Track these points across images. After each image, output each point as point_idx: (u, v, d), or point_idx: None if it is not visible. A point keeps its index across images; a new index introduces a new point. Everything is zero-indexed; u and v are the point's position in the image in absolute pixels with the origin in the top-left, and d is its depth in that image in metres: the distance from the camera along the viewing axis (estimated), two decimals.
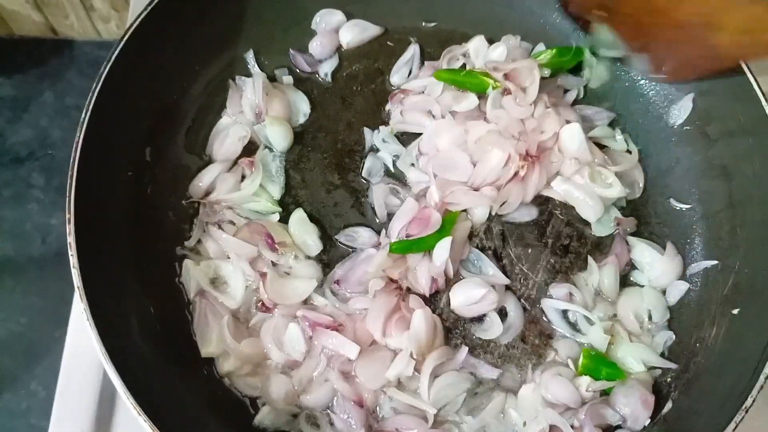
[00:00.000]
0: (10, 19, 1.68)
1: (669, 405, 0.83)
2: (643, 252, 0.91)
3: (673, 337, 0.88)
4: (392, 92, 0.99)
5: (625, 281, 0.91)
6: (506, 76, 0.94)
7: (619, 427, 0.82)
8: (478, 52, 1.02)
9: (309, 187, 0.94)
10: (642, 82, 1.01)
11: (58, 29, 1.72)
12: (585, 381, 0.83)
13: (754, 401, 0.74)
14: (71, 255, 0.75)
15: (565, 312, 0.89)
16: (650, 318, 0.88)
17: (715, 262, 0.90)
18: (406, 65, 1.02)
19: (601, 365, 0.83)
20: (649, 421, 0.82)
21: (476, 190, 0.91)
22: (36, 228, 1.56)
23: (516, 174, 0.90)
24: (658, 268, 0.90)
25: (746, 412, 0.73)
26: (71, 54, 1.73)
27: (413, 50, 1.02)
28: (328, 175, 0.95)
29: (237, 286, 0.86)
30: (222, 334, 0.82)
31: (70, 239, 0.75)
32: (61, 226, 1.57)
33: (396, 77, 1.01)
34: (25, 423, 1.39)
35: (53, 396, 0.90)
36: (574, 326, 0.88)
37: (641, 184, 0.96)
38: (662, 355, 0.87)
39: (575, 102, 1.01)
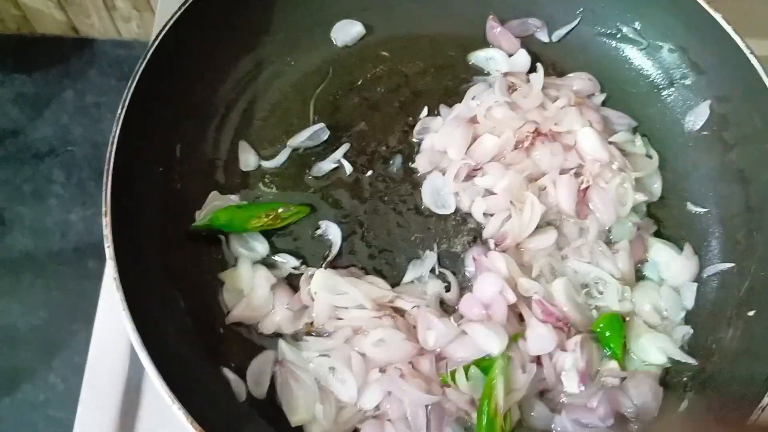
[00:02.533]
0: (32, 17, 1.71)
1: (685, 404, 0.85)
2: (660, 251, 0.92)
3: (691, 331, 0.89)
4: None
5: (638, 278, 0.93)
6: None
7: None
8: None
9: None
10: (661, 87, 1.03)
11: (80, 28, 1.75)
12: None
13: None
14: (107, 246, 0.77)
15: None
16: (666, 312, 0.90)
17: (731, 264, 0.92)
18: None
19: (613, 332, 0.85)
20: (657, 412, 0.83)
21: None
22: (55, 224, 1.59)
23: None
24: (674, 267, 0.91)
25: (762, 410, 0.75)
26: (92, 53, 1.75)
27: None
28: None
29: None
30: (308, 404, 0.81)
31: (106, 231, 0.77)
32: (80, 222, 1.62)
33: None
34: (43, 414, 1.41)
35: (71, 388, 0.91)
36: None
37: (659, 188, 0.98)
38: (681, 349, 0.88)
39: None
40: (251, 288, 0.87)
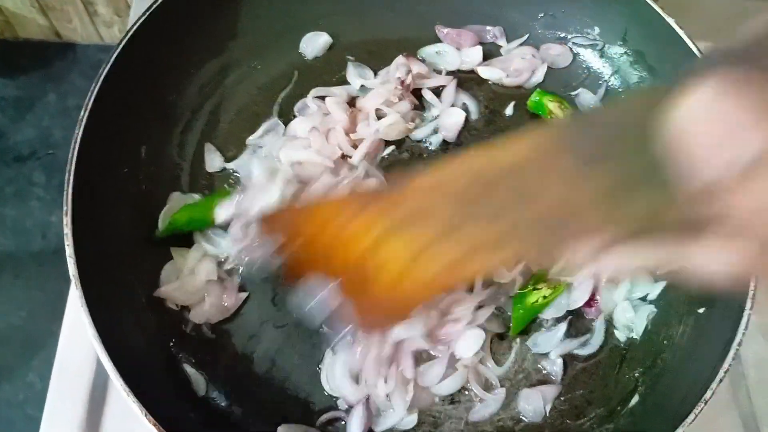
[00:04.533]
0: (15, 22, 1.73)
1: (636, 398, 0.87)
2: None
3: (656, 310, 0.92)
4: None
5: None
6: None
7: None
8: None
9: None
10: (619, 91, 1.06)
11: (62, 33, 1.78)
12: None
13: (713, 393, 0.78)
14: (67, 245, 0.79)
15: None
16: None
17: None
18: None
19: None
20: None
21: None
22: (36, 225, 1.61)
23: None
24: None
25: (705, 404, 0.77)
26: (74, 57, 1.78)
27: None
28: None
29: None
30: None
31: (67, 230, 0.79)
32: (60, 223, 1.63)
33: None
34: (21, 413, 1.44)
35: (49, 387, 0.93)
36: None
37: None
38: (646, 328, 0.91)
39: None
40: (189, 273, 0.89)
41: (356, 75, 1.05)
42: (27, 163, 1.68)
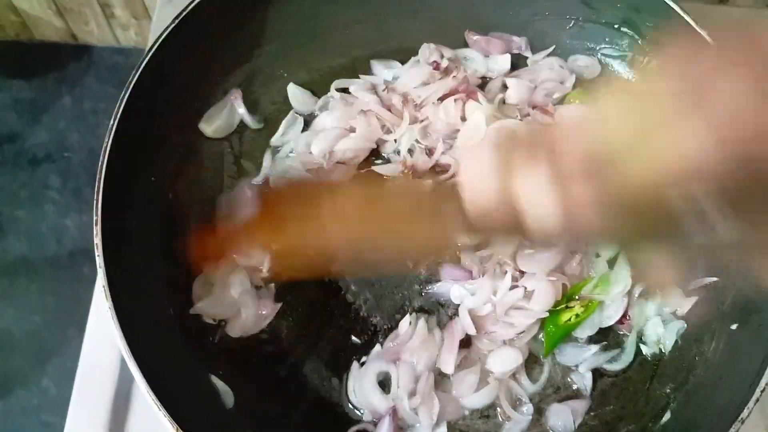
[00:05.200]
0: (32, 24, 1.73)
1: (668, 415, 0.86)
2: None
3: (686, 326, 0.91)
4: None
5: None
6: None
7: None
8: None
9: None
10: None
11: (78, 35, 1.77)
12: None
13: (750, 413, 0.77)
14: (98, 255, 0.78)
15: None
16: None
17: (715, 278, 0.93)
18: None
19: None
20: None
21: None
22: (51, 229, 1.60)
23: None
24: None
25: (742, 423, 0.76)
26: (90, 59, 1.77)
27: None
28: None
29: None
30: None
31: (97, 240, 0.78)
32: (75, 228, 1.63)
33: None
34: (36, 419, 1.43)
35: (64, 393, 0.92)
36: None
37: None
38: (676, 343, 0.91)
39: None
40: (222, 286, 0.88)
41: (382, 67, 1.05)
42: (42, 166, 1.67)
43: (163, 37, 0.89)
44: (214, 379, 0.84)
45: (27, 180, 1.65)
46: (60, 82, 1.76)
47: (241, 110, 0.99)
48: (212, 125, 0.99)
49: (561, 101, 1.02)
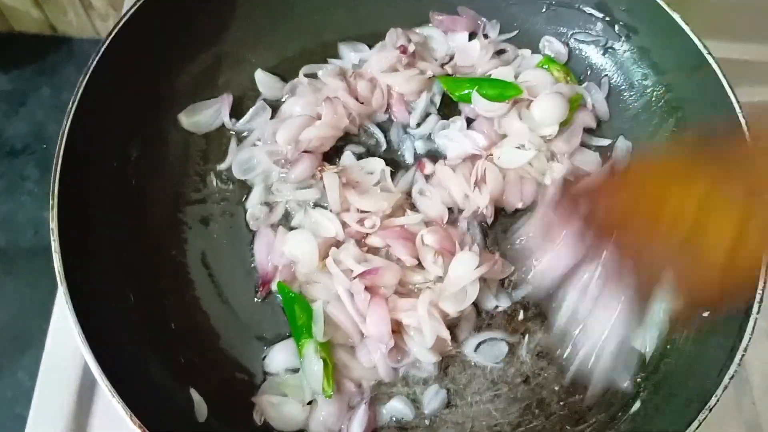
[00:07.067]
0: (9, 15, 1.70)
1: (638, 404, 0.85)
2: None
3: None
4: None
5: None
6: None
7: None
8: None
9: None
10: (621, 88, 1.03)
11: (57, 26, 1.75)
12: None
13: (718, 400, 0.75)
14: (53, 240, 0.76)
15: None
16: None
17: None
18: None
19: None
20: None
21: None
22: (28, 220, 1.57)
23: None
24: None
25: (710, 411, 0.75)
26: (69, 50, 1.74)
27: None
28: None
29: None
30: None
31: (53, 225, 0.77)
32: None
33: None
34: (9, 412, 1.40)
35: None
36: None
37: None
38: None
39: None
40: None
41: (350, 50, 1.04)
42: (20, 157, 1.64)
43: (124, 19, 0.88)
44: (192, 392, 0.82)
45: (5, 171, 1.62)
46: (39, 74, 1.73)
47: (226, 117, 0.98)
48: (192, 119, 0.97)
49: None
